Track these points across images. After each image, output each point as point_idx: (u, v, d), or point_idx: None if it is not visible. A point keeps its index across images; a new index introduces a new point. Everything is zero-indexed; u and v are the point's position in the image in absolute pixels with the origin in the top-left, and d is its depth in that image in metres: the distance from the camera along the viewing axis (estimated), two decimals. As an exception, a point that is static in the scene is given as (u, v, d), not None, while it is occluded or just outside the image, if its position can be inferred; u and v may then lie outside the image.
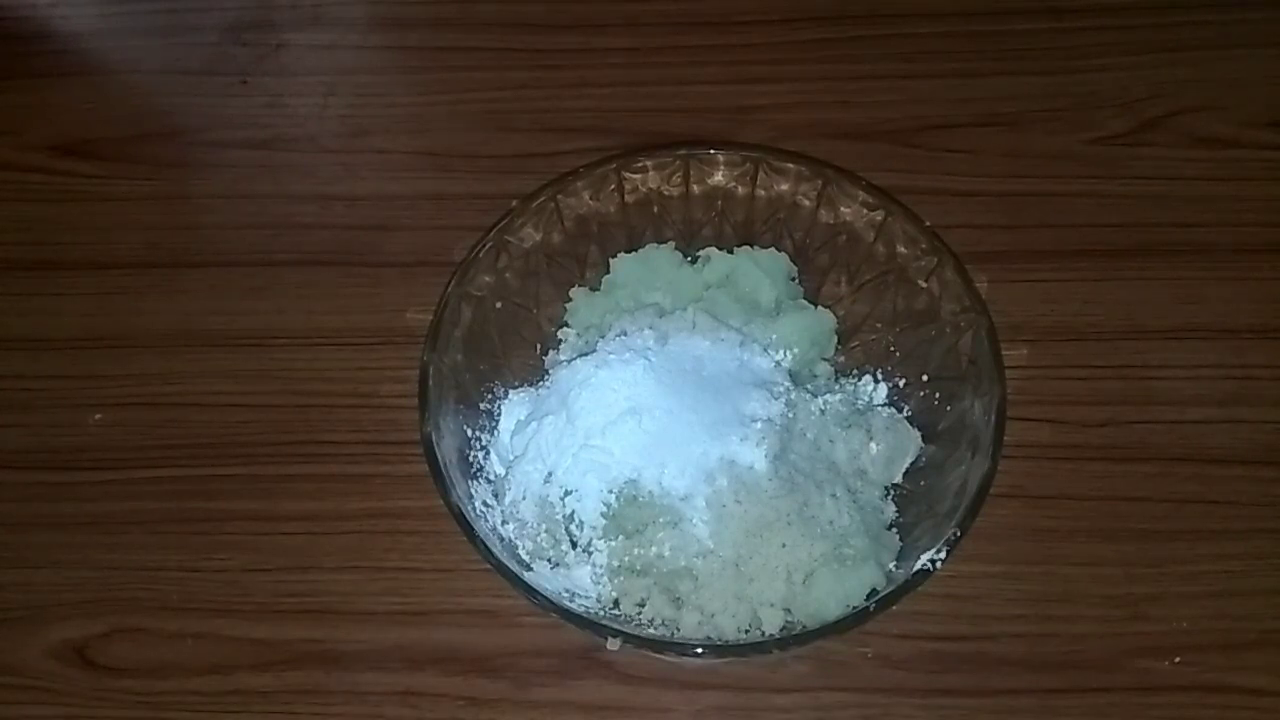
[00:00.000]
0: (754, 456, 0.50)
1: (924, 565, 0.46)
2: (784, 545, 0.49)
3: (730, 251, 0.59)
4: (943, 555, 0.46)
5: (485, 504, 0.52)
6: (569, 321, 0.59)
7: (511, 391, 0.57)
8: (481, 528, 0.48)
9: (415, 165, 0.70)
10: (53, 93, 0.74)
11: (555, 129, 0.70)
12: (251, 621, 0.56)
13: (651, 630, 0.49)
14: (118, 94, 0.75)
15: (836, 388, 0.57)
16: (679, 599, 0.50)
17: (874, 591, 0.48)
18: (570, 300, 0.59)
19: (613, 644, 0.46)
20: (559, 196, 0.56)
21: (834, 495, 0.51)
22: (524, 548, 0.51)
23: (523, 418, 0.55)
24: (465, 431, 0.54)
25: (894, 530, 0.52)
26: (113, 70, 0.76)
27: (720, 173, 0.58)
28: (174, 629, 0.56)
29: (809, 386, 0.56)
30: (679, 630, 0.49)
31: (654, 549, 0.50)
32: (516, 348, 0.58)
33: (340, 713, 0.54)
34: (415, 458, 0.49)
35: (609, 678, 0.54)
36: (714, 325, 0.54)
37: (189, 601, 0.57)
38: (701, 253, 0.59)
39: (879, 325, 0.58)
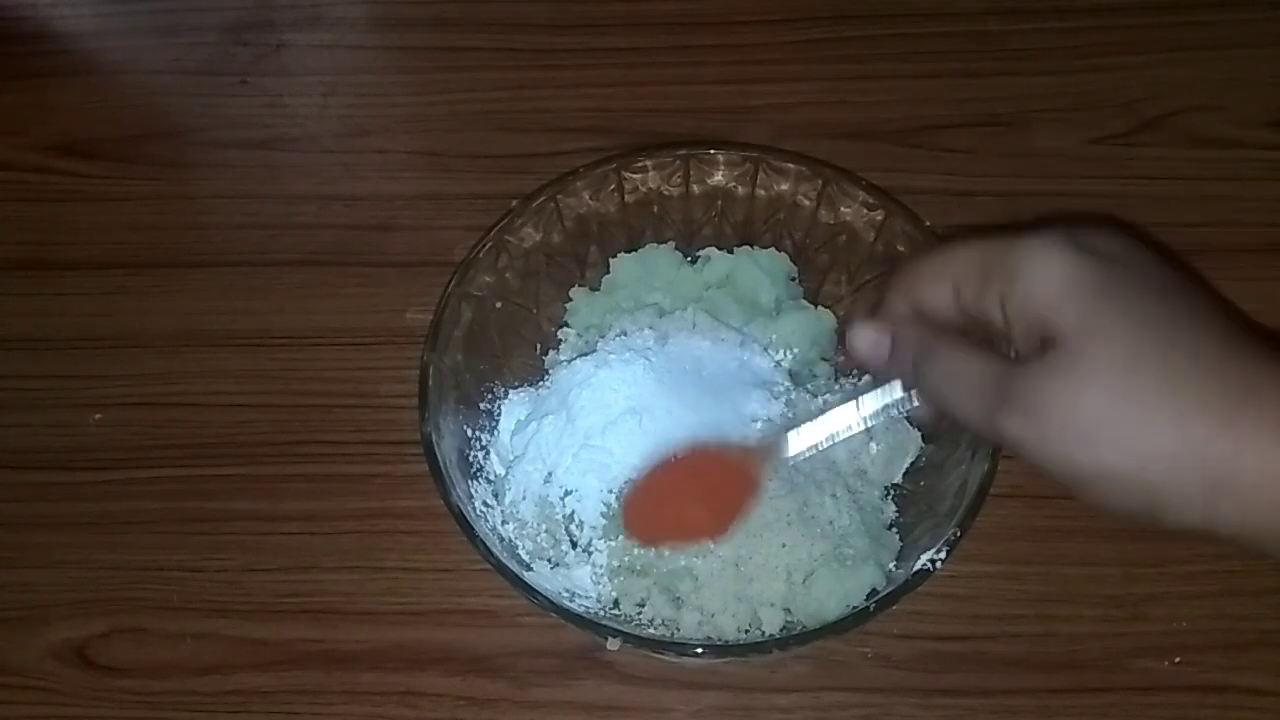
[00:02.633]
0: (754, 456, 0.50)
1: (924, 565, 0.46)
2: (784, 545, 0.49)
3: (730, 251, 0.59)
4: (943, 555, 0.46)
5: (485, 504, 0.52)
6: (569, 321, 0.59)
7: (511, 391, 0.57)
8: (481, 528, 0.48)
9: (415, 165, 0.70)
10: (53, 93, 0.74)
11: (555, 129, 0.70)
12: (251, 621, 0.56)
13: (651, 630, 0.49)
14: (118, 94, 0.75)
15: (836, 388, 0.57)
16: (679, 599, 0.50)
17: (874, 591, 0.48)
18: (570, 300, 0.59)
19: (613, 644, 0.46)
20: (559, 196, 0.56)
21: (834, 495, 0.51)
22: (524, 548, 0.51)
23: (523, 418, 0.55)
24: (465, 431, 0.54)
25: (894, 530, 0.52)
26: (113, 70, 0.76)
27: (720, 173, 0.58)
28: (174, 629, 0.56)
29: (809, 386, 0.56)
30: (679, 630, 0.49)
31: (653, 549, 0.50)
32: (516, 348, 0.58)
33: (340, 713, 0.54)
34: (415, 458, 0.49)
35: (609, 678, 0.54)
36: (714, 325, 0.54)
37: (189, 601, 0.57)
38: (701, 253, 0.59)
39: (879, 325, 0.58)
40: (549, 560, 0.51)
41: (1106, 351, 0.34)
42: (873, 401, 0.42)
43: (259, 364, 0.63)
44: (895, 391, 0.42)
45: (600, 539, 0.51)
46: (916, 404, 0.42)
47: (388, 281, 0.65)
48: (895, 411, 0.42)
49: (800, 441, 0.44)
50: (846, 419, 0.43)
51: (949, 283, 0.39)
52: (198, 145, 0.72)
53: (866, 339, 0.42)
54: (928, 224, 0.54)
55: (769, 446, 0.45)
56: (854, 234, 0.57)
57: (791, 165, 0.56)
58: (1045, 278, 0.35)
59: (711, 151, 0.57)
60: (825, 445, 0.44)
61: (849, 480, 0.53)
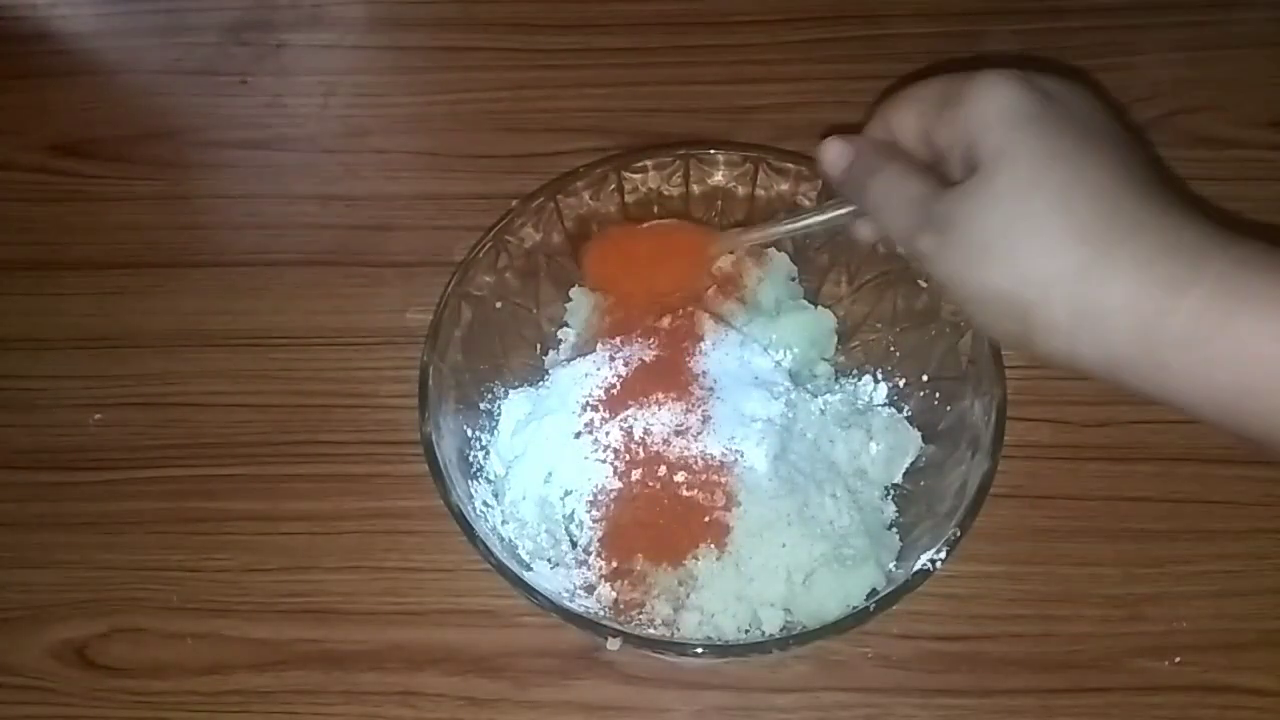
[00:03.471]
0: (754, 456, 0.50)
1: (924, 565, 0.46)
2: (784, 545, 0.49)
3: (731, 252, 0.59)
4: (943, 555, 0.46)
5: (485, 504, 0.52)
6: (569, 321, 0.59)
7: (511, 391, 0.57)
8: (481, 528, 0.48)
9: (415, 165, 0.70)
10: (53, 93, 0.74)
11: (555, 129, 0.70)
12: (251, 621, 0.56)
13: (651, 630, 0.49)
14: (118, 94, 0.75)
15: (836, 388, 0.57)
16: (679, 599, 0.50)
17: (874, 591, 0.48)
18: (570, 300, 0.59)
19: (613, 644, 0.46)
20: (559, 196, 0.56)
21: (834, 495, 0.51)
22: (524, 548, 0.51)
23: (523, 418, 0.55)
24: (465, 431, 0.54)
25: (894, 530, 0.52)
26: (113, 70, 0.76)
27: (720, 173, 0.58)
28: (174, 629, 0.56)
29: (809, 386, 0.56)
30: (679, 630, 0.49)
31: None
32: (516, 348, 0.58)
33: (340, 713, 0.54)
34: (415, 458, 0.49)
35: (609, 678, 0.54)
36: (714, 325, 0.54)
37: (189, 601, 0.57)
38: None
39: (879, 325, 0.58)
40: (549, 560, 0.51)
41: (1010, 176, 0.36)
42: (822, 208, 0.48)
43: (259, 364, 0.63)
44: (842, 204, 0.46)
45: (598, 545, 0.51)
46: (858, 216, 0.46)
47: (388, 281, 0.65)
48: (839, 219, 0.47)
49: (753, 234, 0.52)
50: (798, 222, 0.49)
51: (915, 111, 0.41)
52: (198, 145, 0.72)
53: (831, 150, 0.44)
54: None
55: (726, 236, 0.53)
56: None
57: (791, 165, 0.56)
58: (984, 106, 0.37)
59: (711, 151, 0.57)
60: (772, 238, 0.52)
61: (849, 480, 0.53)
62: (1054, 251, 0.35)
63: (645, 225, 0.55)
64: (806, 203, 0.57)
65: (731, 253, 0.54)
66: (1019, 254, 0.35)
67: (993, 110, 0.37)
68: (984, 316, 0.38)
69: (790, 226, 0.50)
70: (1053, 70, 0.39)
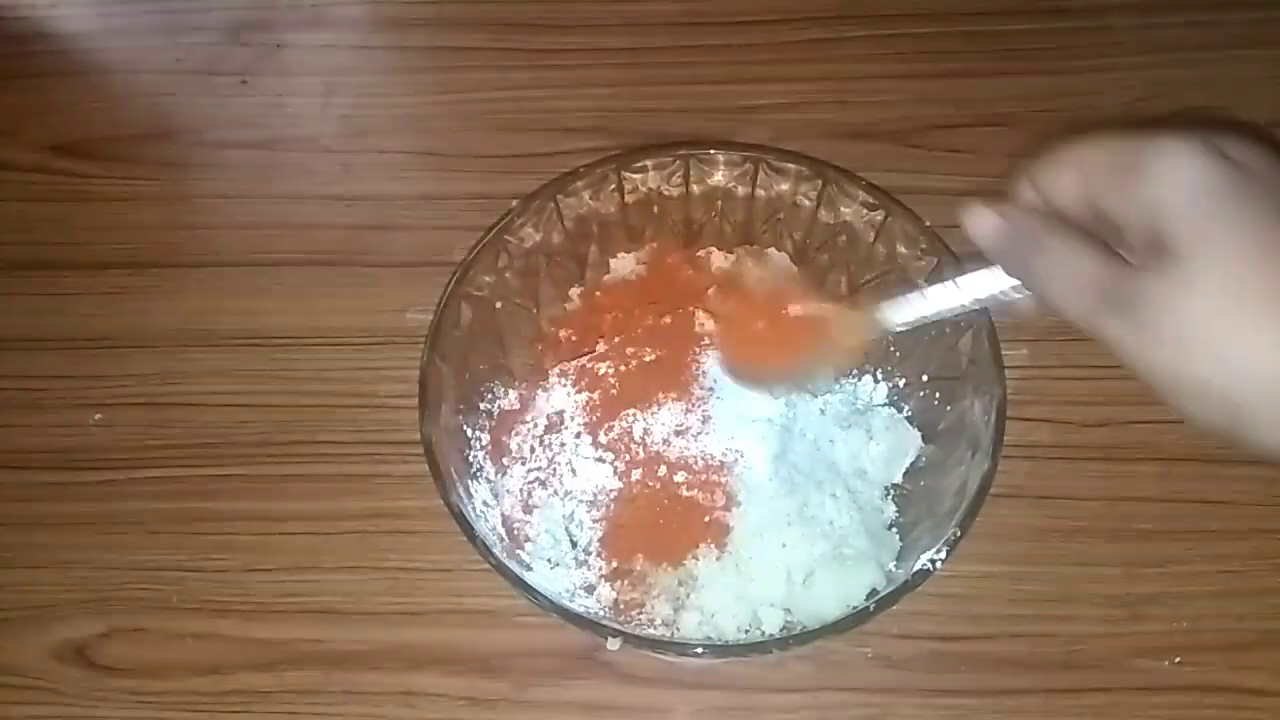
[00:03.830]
0: (754, 456, 0.50)
1: (924, 565, 0.46)
2: (784, 545, 0.49)
3: (730, 252, 0.59)
4: (943, 555, 0.46)
5: (485, 504, 0.52)
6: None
7: (511, 391, 0.57)
8: (481, 528, 0.48)
9: (415, 165, 0.70)
10: (53, 93, 0.74)
11: (555, 129, 0.70)
12: (251, 621, 0.56)
13: (651, 630, 0.49)
14: (118, 94, 0.75)
15: (836, 388, 0.57)
16: (679, 599, 0.50)
17: (874, 591, 0.48)
18: (570, 300, 0.59)
19: (613, 644, 0.46)
20: (559, 196, 0.56)
21: (834, 495, 0.51)
22: (524, 548, 0.51)
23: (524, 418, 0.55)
24: (465, 431, 0.54)
25: (894, 530, 0.52)
26: (113, 70, 0.76)
27: (720, 173, 0.58)
28: (174, 629, 0.56)
29: (809, 386, 0.56)
30: (679, 630, 0.49)
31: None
32: (516, 348, 0.58)
33: (340, 713, 0.54)
34: (415, 458, 0.49)
35: (609, 678, 0.54)
36: (715, 326, 0.54)
37: (189, 601, 0.57)
38: (701, 253, 0.59)
39: (879, 325, 0.58)
40: (549, 560, 0.51)
41: (1219, 264, 0.33)
42: (974, 284, 0.41)
43: (259, 364, 0.63)
44: (999, 278, 0.40)
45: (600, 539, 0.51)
46: (1018, 293, 0.40)
47: (388, 281, 0.65)
48: (997, 297, 0.41)
49: (899, 314, 0.44)
50: (946, 299, 0.42)
51: (1078, 175, 0.38)
52: (198, 145, 0.72)
53: (982, 221, 0.39)
54: (927, 224, 0.54)
55: (869, 316, 0.46)
56: (854, 234, 0.57)
57: (791, 165, 0.56)
58: (1172, 181, 0.34)
59: (711, 151, 0.57)
60: (924, 320, 0.44)
61: (849, 480, 0.53)
62: (1270, 347, 0.33)
63: (788, 313, 0.50)
64: (806, 203, 0.57)
65: (872, 337, 0.48)
66: (1228, 349, 0.33)
67: (1182, 185, 0.34)
68: (1185, 407, 0.36)
69: (941, 308, 0.43)
70: (1229, 128, 0.36)
